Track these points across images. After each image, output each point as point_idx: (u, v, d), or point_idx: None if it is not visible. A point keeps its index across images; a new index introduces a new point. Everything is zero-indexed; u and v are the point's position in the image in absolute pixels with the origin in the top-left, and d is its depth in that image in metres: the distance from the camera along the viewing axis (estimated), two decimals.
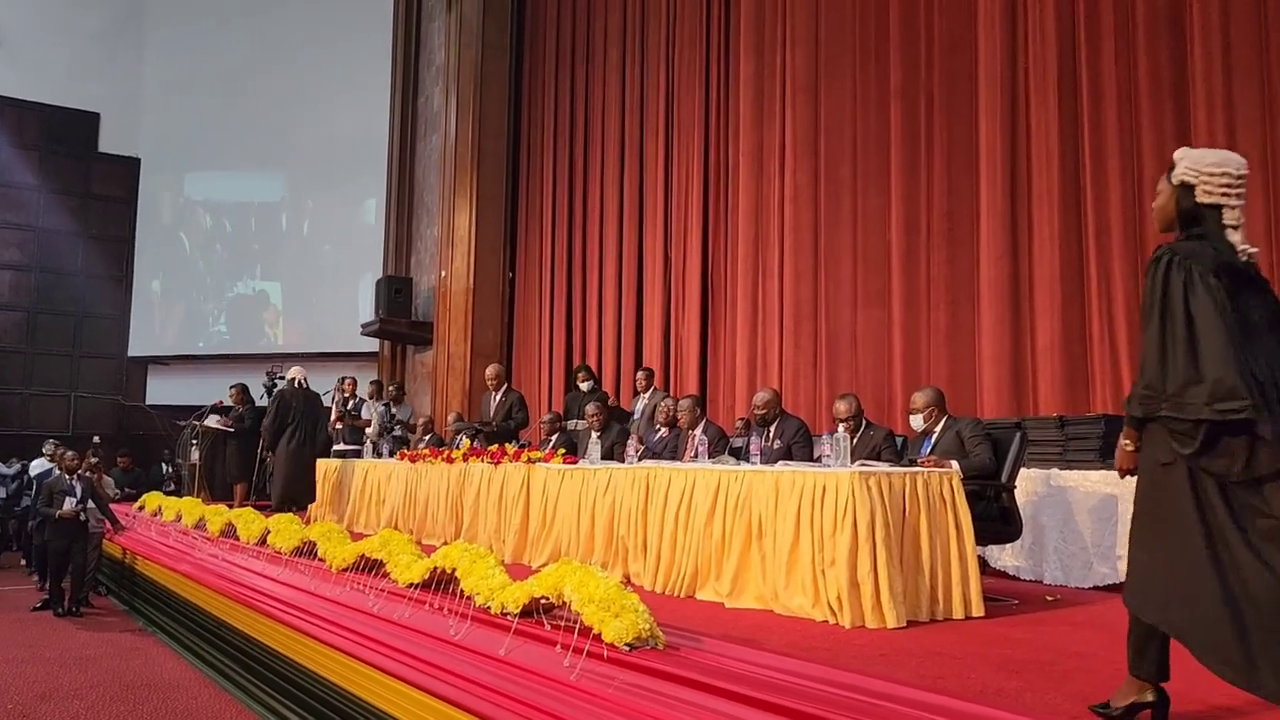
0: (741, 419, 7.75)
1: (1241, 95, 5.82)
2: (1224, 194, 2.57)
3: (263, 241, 16.25)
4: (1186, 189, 2.62)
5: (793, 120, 8.84)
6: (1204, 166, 2.60)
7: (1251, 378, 2.33)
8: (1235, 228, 2.57)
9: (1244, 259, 2.53)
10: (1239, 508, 2.32)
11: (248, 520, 6.66)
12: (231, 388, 11.31)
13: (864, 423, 5.58)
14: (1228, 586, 2.29)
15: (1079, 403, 6.46)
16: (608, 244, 11.27)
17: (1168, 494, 2.41)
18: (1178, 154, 2.69)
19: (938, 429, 5.21)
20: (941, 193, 7.51)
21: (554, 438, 7.85)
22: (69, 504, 7.49)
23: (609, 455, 6.62)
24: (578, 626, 3.12)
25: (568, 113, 12.30)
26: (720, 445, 6.15)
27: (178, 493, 10.39)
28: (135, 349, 16.24)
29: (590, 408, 7.45)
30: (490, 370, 9.03)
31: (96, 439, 12.89)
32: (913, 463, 4.89)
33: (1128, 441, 2.59)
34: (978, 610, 4.24)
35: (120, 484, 11.92)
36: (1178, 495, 2.39)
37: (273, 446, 9.59)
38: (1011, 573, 5.58)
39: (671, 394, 9.10)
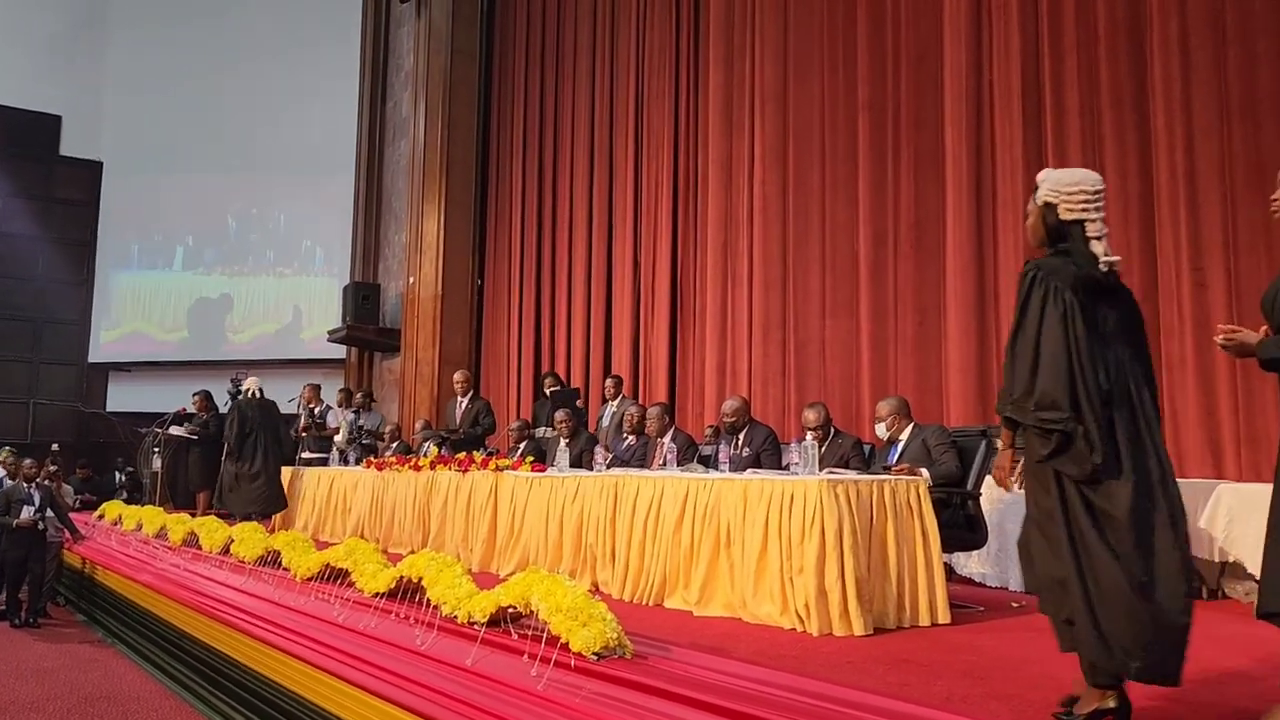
0: (710, 427, 7.77)
1: (1200, 106, 5.93)
2: (1084, 209, 2.78)
3: (227, 247, 16.07)
4: (1050, 208, 2.82)
5: (762, 130, 8.89)
6: (1063, 186, 2.81)
7: (1084, 389, 2.54)
8: (1098, 239, 2.76)
9: (1105, 269, 2.72)
10: (1088, 503, 2.53)
11: (210, 529, 6.57)
12: (194, 394, 11.16)
13: (832, 431, 5.60)
14: (1082, 576, 2.49)
15: None
16: (577, 251, 11.26)
17: (1045, 489, 2.63)
18: (1040, 176, 2.89)
19: (904, 437, 5.25)
20: (909, 203, 7.58)
21: (522, 445, 7.82)
22: (27, 513, 7.35)
23: (577, 463, 6.61)
24: (545, 635, 3.10)
25: (537, 119, 12.28)
26: (689, 453, 6.16)
27: (133, 501, 10.23)
28: (96, 355, 16.00)
29: (560, 414, 7.42)
30: (457, 376, 8.99)
31: (55, 446, 12.69)
32: (887, 469, 4.92)
33: (1001, 442, 2.85)
34: (944, 617, 4.27)
35: (79, 492, 11.73)
36: (1050, 489, 2.60)
37: (236, 458, 9.40)
38: (977, 579, 5.63)
39: (640, 402, 9.10)
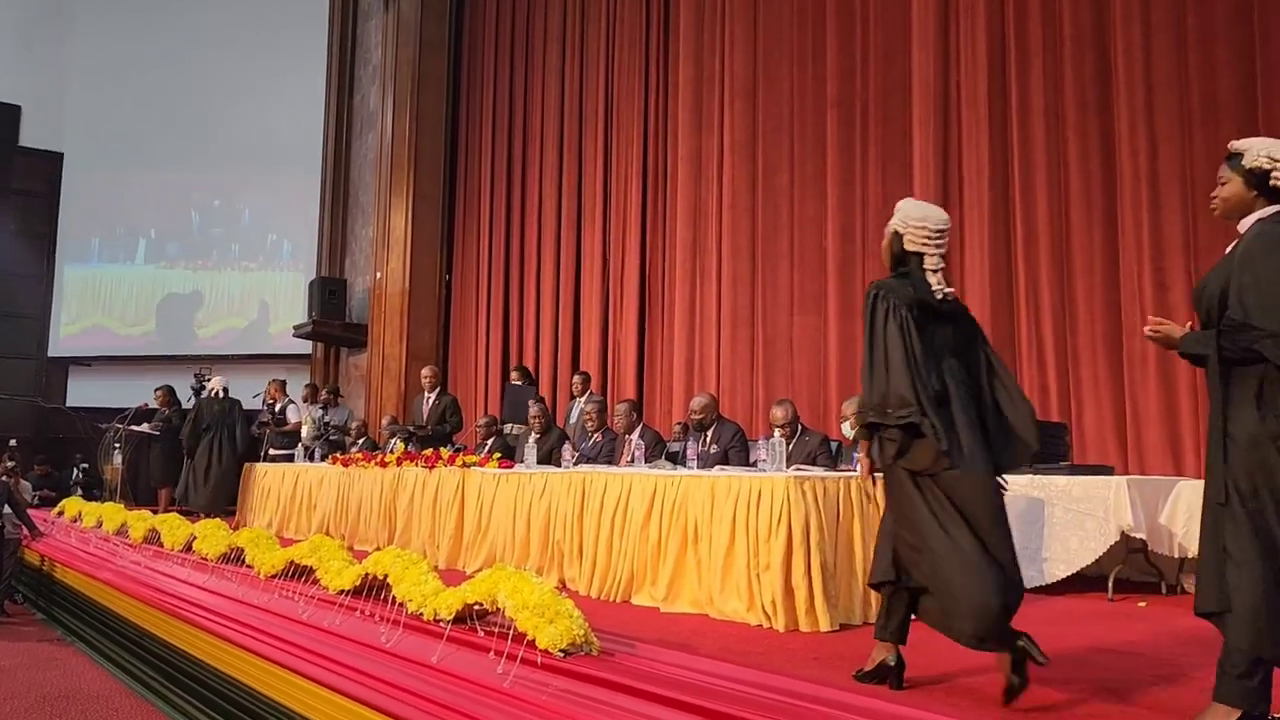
0: (679, 423, 7.78)
1: (1162, 111, 6.03)
2: (924, 243, 3.11)
3: (191, 240, 15.85)
4: (898, 236, 3.18)
5: (731, 124, 8.91)
6: (911, 219, 3.15)
7: (923, 389, 2.90)
8: (934, 271, 3.10)
9: (939, 297, 3.06)
10: (929, 493, 2.89)
11: (172, 526, 6.49)
12: (156, 390, 11.02)
13: (800, 428, 5.63)
14: (929, 554, 2.86)
15: None
16: (546, 247, 11.22)
17: (901, 486, 2.96)
18: (898, 205, 3.23)
19: None
20: (876, 201, 7.63)
21: (489, 442, 7.79)
22: None
23: (546, 460, 6.60)
24: (511, 633, 3.10)
25: (506, 113, 12.22)
26: (657, 450, 6.17)
27: (91, 497, 10.08)
28: (56, 349, 15.72)
29: (534, 408, 7.42)
30: (425, 372, 8.95)
31: (13, 442, 12.46)
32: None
33: (860, 450, 3.15)
34: None
35: (37, 488, 11.53)
36: (905, 485, 2.94)
37: (190, 455, 9.88)
38: None
39: (609, 398, 9.10)
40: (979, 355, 3.12)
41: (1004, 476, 3.00)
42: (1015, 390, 3.10)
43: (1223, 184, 2.65)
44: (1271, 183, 2.55)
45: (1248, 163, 2.58)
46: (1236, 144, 2.63)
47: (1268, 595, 2.30)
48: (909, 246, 3.14)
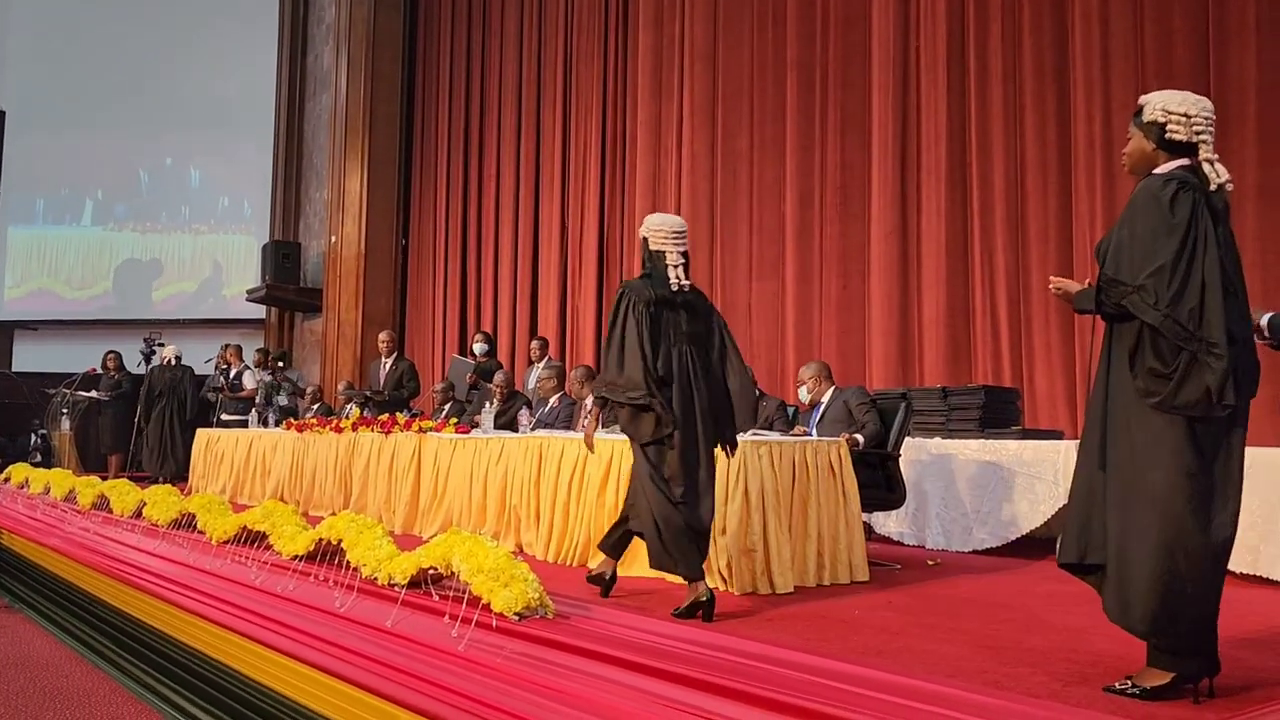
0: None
1: (1117, 79, 6.07)
2: (663, 243, 3.78)
3: (140, 202, 15.47)
4: (645, 240, 3.85)
5: (690, 90, 8.85)
6: (652, 225, 3.84)
7: (656, 373, 3.57)
8: (675, 266, 3.74)
9: (676, 288, 3.71)
10: (654, 458, 3.59)
11: (122, 492, 6.38)
12: (107, 354, 10.82)
13: (758, 393, 5.65)
14: (652, 510, 3.55)
15: (961, 373, 6.69)
16: (504, 212, 11.12)
17: (633, 447, 3.69)
18: (645, 219, 3.92)
19: (825, 399, 5.34)
20: (835, 166, 7.63)
21: (446, 407, 7.75)
22: None
23: (507, 426, 6.57)
24: (466, 597, 3.08)
25: (463, 75, 12.04)
26: (613, 415, 6.15)
27: (45, 465, 9.90)
28: (1, 313, 15.33)
29: (498, 377, 7.38)
30: (383, 336, 8.86)
31: None
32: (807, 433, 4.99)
33: (590, 416, 3.89)
34: (863, 575, 4.37)
35: None
36: (634, 447, 3.68)
37: (146, 422, 10.05)
38: (895, 538, 5.76)
39: (566, 364, 9.06)
40: (714, 339, 3.77)
41: (730, 441, 3.77)
42: (740, 370, 3.80)
43: (1128, 139, 2.63)
44: (1168, 135, 2.52)
45: (1146, 117, 2.57)
46: (1142, 99, 2.61)
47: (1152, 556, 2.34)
48: (654, 247, 3.79)
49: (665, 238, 3.78)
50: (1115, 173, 6.00)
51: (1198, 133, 2.50)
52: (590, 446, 4.03)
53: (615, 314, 3.71)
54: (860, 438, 4.93)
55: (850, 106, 7.59)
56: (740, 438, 4.27)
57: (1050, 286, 2.72)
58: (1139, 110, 2.59)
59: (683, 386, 3.62)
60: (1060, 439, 5.45)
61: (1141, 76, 5.95)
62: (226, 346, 10.26)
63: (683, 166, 8.88)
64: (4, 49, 15.53)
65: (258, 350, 10.98)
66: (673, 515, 3.51)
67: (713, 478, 3.67)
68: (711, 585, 4.09)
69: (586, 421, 3.87)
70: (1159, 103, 2.54)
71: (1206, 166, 2.49)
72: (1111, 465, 2.45)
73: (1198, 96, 2.54)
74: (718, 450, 3.77)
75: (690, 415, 3.61)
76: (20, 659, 5.11)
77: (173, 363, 10.18)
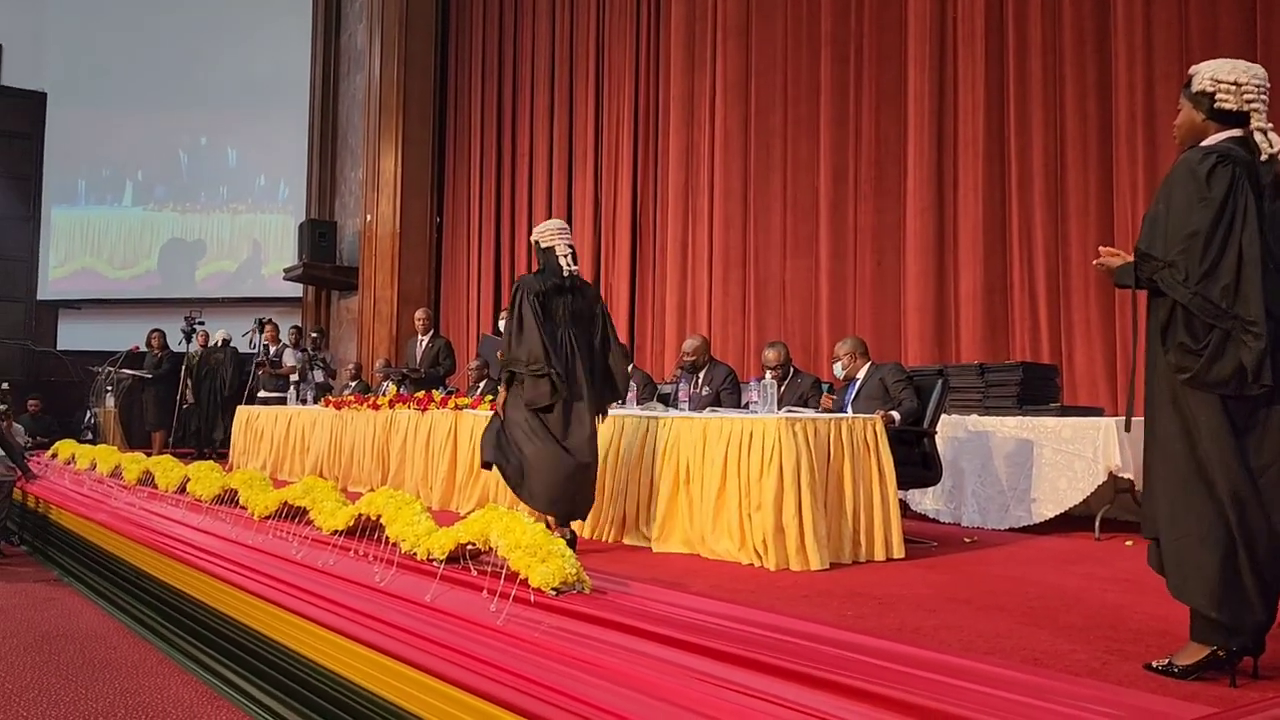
0: (679, 367, 7.76)
1: (1160, 48, 5.94)
2: (552, 240, 4.53)
3: (179, 182, 15.65)
4: (537, 242, 4.61)
5: (723, 65, 8.78)
6: (540, 229, 4.63)
7: (553, 350, 4.34)
8: (563, 256, 4.48)
9: (565, 274, 4.47)
10: (533, 418, 4.38)
11: (166, 468, 6.50)
12: (151, 333, 10.99)
13: (792, 370, 5.64)
14: (522, 456, 4.41)
15: (999, 350, 6.62)
16: (537, 189, 11.13)
17: (517, 410, 4.44)
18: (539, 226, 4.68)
19: (861, 375, 5.30)
20: (870, 142, 7.55)
21: (481, 384, 7.79)
22: None
23: None
24: (504, 572, 3.11)
25: (496, 53, 12.03)
26: (648, 391, 6.17)
27: (94, 441, 10.11)
28: (45, 292, 15.60)
29: None
30: (419, 314, 8.91)
31: (5, 385, 12.44)
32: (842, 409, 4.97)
33: (502, 387, 4.58)
34: (898, 552, 4.35)
35: (30, 431, 11.53)
36: (520, 410, 4.42)
37: (196, 400, 10.98)
38: (931, 516, 5.73)
39: None
40: (597, 321, 4.54)
41: (606, 409, 4.59)
42: (618, 350, 4.58)
43: (1178, 111, 2.57)
44: (1216, 105, 2.45)
45: (1195, 87, 2.50)
46: (1192, 69, 2.54)
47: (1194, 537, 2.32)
48: (544, 245, 4.55)
49: (553, 235, 4.55)
50: (1158, 144, 5.88)
51: (1249, 101, 2.44)
52: (500, 412, 4.60)
53: (513, 304, 4.47)
54: (896, 415, 4.90)
55: (885, 80, 7.50)
56: (772, 414, 4.28)
57: (1094, 262, 2.68)
58: (1188, 81, 2.53)
59: (568, 360, 4.39)
60: (1100, 415, 5.39)
61: (1185, 46, 5.82)
62: (263, 322, 10.40)
63: (715, 142, 8.82)
64: (44, 32, 15.72)
65: (292, 328, 11.12)
66: (557, 464, 4.32)
67: (594, 437, 4.43)
68: (747, 561, 4.13)
69: (499, 396, 4.58)
70: (1208, 72, 2.48)
71: (1258, 136, 2.42)
72: (1154, 440, 2.43)
73: (1249, 64, 2.48)
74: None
75: (576, 384, 4.39)
76: (70, 631, 5.24)
77: (219, 344, 10.97)
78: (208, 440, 10.78)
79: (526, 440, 4.37)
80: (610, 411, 4.78)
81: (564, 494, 4.32)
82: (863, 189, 7.59)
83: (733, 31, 8.71)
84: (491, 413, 6.19)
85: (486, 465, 4.70)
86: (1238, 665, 2.31)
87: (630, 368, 6.48)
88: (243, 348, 10.87)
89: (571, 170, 10.66)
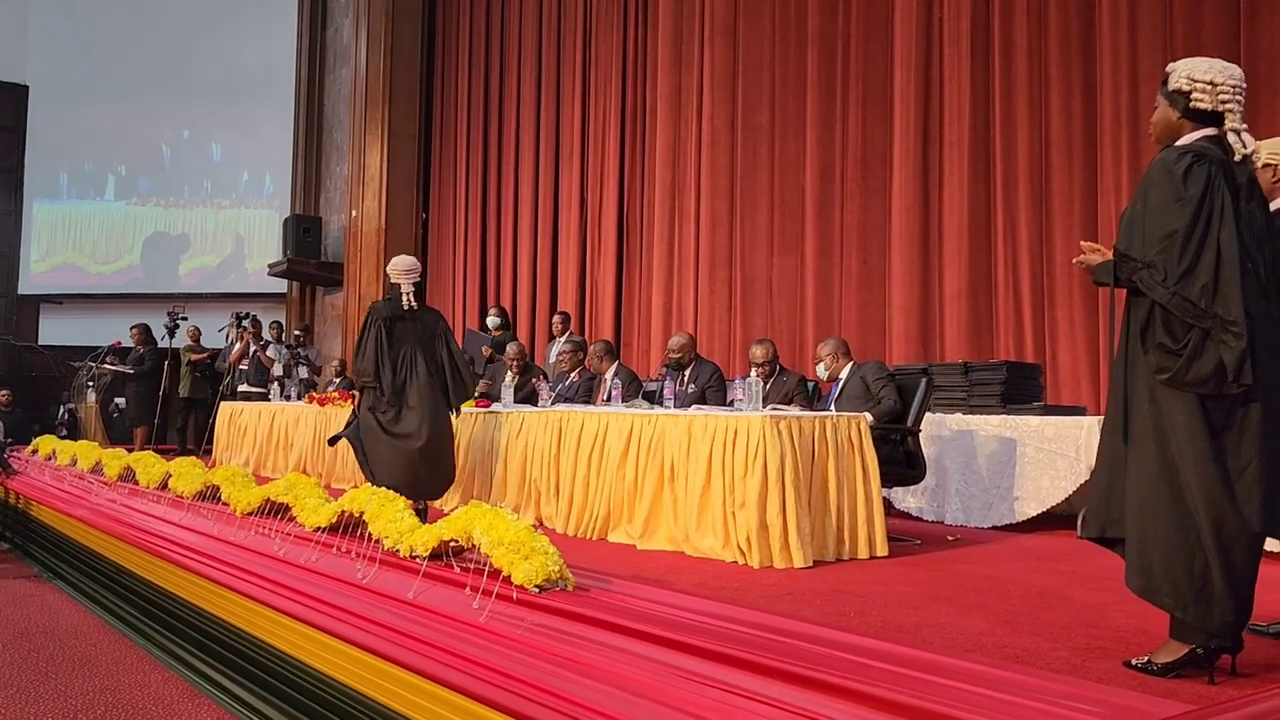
0: (664, 365, 7.77)
1: (1145, 49, 5.97)
2: (400, 277, 5.37)
3: (162, 177, 15.55)
4: (387, 275, 5.49)
5: (711, 63, 8.78)
6: (392, 268, 5.42)
7: (392, 365, 5.24)
8: (406, 293, 5.33)
9: (405, 307, 5.32)
10: (381, 426, 5.27)
11: (148, 464, 6.45)
12: (132, 328, 10.92)
13: (778, 368, 5.64)
14: (375, 459, 5.26)
15: (983, 349, 6.65)
16: (524, 186, 11.10)
17: (369, 419, 5.29)
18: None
19: (843, 375, 5.32)
20: (856, 141, 7.57)
21: None
22: None
23: (526, 400, 6.59)
24: (487, 569, 3.11)
25: (483, 48, 12.00)
26: (633, 389, 6.16)
27: (71, 437, 10.03)
28: (26, 287, 15.47)
29: (511, 349, 7.38)
30: None
31: None
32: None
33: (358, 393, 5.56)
34: (882, 550, 4.37)
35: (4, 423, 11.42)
36: (370, 419, 5.29)
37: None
38: (915, 514, 5.75)
39: (586, 338, 9.07)
40: (440, 340, 5.41)
41: (454, 407, 5.43)
42: (460, 359, 5.46)
43: (1155, 109, 2.58)
44: (1192, 104, 2.46)
45: (1171, 85, 2.50)
46: (1169, 67, 2.54)
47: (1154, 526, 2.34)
48: (393, 280, 5.39)
49: (401, 274, 5.37)
50: (1142, 145, 5.92)
51: (1223, 101, 2.44)
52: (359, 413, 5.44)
53: (364, 326, 5.37)
54: (869, 415, 4.89)
55: (872, 79, 7.51)
56: (757, 412, 4.29)
57: (1075, 260, 2.68)
58: (1165, 79, 2.54)
59: (408, 372, 5.31)
60: (1083, 415, 5.42)
61: (1170, 47, 5.85)
62: (241, 316, 10.32)
63: (703, 140, 8.83)
64: (27, 24, 15.58)
65: (273, 323, 11.08)
66: (396, 457, 5.19)
67: (438, 429, 5.29)
68: (731, 559, 4.13)
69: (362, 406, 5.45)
70: (1184, 70, 2.49)
71: (1232, 136, 2.43)
72: (1131, 439, 2.43)
73: (1226, 64, 2.48)
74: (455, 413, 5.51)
75: (409, 391, 5.28)
76: (50, 627, 5.20)
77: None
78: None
79: (368, 435, 5.29)
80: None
81: (403, 480, 4.97)
82: (849, 188, 7.60)
83: (720, 30, 8.71)
84: (477, 409, 6.25)
85: (332, 442, 5.87)
86: (1216, 663, 2.33)
87: (615, 366, 6.52)
88: (219, 343, 10.83)
89: (558, 166, 10.65)
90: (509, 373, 7.24)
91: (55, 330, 15.34)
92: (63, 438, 9.62)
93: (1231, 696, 2.19)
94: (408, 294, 5.36)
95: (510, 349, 7.40)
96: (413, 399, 5.27)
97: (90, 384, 10.76)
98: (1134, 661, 2.43)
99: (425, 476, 5.32)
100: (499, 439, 5.75)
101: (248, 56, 14.69)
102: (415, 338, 5.38)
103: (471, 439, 6.03)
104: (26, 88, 15.60)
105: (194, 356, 10.84)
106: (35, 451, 9.09)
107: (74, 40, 15.33)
